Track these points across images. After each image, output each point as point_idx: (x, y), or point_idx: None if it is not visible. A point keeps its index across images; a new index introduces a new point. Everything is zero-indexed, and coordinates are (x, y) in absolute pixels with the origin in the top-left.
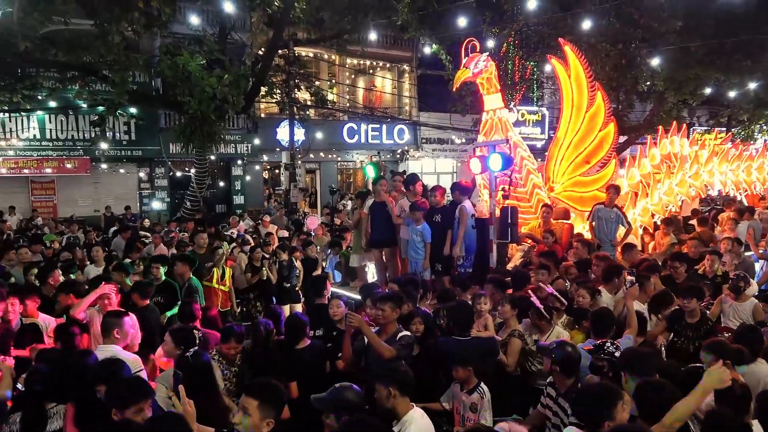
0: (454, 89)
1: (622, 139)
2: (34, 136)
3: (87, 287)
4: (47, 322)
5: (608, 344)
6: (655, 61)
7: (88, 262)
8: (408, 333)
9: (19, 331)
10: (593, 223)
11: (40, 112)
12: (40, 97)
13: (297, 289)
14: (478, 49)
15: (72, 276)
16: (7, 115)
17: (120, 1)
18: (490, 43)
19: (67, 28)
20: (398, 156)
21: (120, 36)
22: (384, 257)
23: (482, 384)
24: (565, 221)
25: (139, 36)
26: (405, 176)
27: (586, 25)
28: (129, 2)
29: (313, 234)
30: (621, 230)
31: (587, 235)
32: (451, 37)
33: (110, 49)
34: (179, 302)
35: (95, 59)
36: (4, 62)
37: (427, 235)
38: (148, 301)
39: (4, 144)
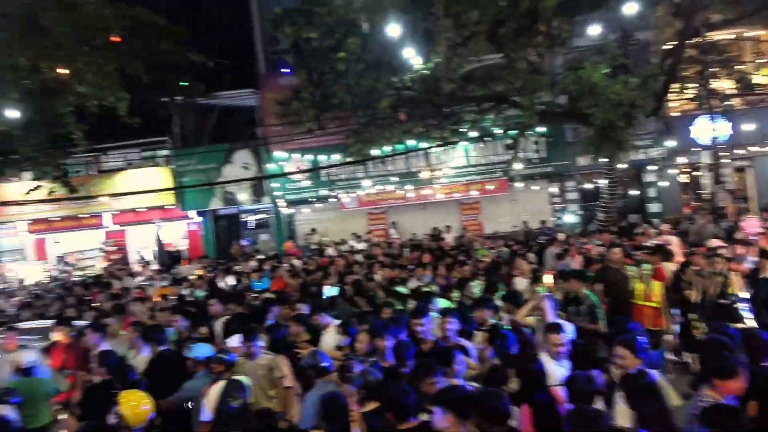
0: None
1: None
2: (461, 164)
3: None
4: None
5: None
6: None
7: (516, 274)
8: None
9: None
10: None
11: (464, 143)
12: (462, 130)
13: (735, 306)
14: None
15: (499, 289)
16: (441, 148)
17: (523, 30)
18: None
19: (480, 65)
20: None
21: (525, 62)
22: None
23: None
24: None
25: (542, 58)
26: None
27: None
28: (531, 29)
29: (753, 240)
30: None
31: None
32: None
33: (518, 76)
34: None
35: (505, 88)
36: (435, 104)
37: None
38: None
39: (439, 173)
